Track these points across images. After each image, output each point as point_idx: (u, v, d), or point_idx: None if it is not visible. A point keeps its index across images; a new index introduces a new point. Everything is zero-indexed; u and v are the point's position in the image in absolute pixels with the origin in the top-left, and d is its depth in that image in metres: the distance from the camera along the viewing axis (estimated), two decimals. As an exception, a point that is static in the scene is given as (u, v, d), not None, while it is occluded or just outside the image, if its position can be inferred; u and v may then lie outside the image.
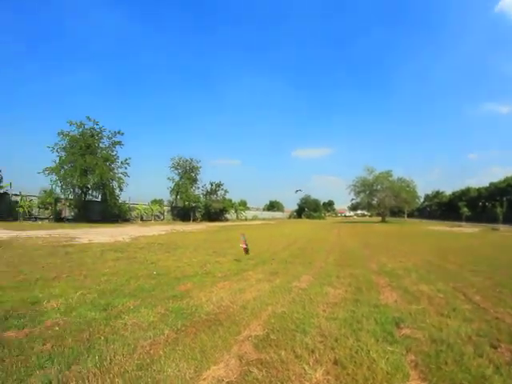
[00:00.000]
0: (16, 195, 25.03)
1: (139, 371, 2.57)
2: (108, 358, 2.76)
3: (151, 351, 2.93)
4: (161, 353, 2.90)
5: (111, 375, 2.50)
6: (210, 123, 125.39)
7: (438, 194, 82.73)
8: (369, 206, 63.81)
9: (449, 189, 72.65)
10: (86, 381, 2.42)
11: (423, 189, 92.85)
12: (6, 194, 24.53)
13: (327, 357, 2.89)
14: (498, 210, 30.44)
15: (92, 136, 28.42)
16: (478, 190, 57.80)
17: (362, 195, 59.71)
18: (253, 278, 6.48)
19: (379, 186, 57.21)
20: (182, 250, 10.86)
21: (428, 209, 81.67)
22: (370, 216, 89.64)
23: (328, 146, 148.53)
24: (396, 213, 68.83)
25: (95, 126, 28.76)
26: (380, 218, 61.27)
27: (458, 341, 3.32)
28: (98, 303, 4.36)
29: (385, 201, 55.44)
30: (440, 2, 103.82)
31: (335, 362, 2.79)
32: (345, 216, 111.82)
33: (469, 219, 39.84)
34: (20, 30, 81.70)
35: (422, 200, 77.69)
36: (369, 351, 3.00)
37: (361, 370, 2.65)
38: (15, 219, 23.49)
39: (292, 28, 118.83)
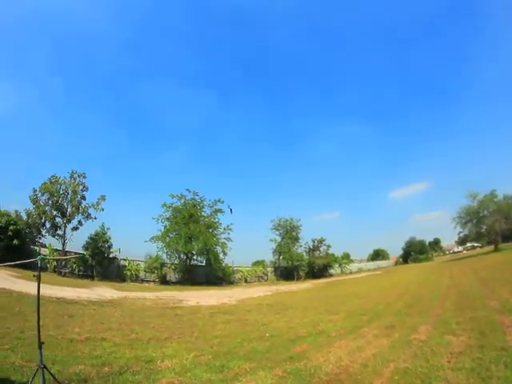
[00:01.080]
0: (124, 260, 27.54)
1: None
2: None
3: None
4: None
5: None
6: (302, 179, 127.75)
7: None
8: (478, 236, 56.82)
9: None
10: None
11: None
12: (115, 258, 27.09)
13: None
14: None
15: (194, 206, 31.36)
16: None
17: (468, 226, 53.47)
18: (369, 334, 6.34)
19: (486, 212, 50.93)
20: (292, 310, 10.86)
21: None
22: (480, 247, 78.93)
23: (422, 180, 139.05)
24: (509, 237, 59.42)
25: (195, 196, 31.76)
26: (492, 247, 53.29)
27: None
28: (213, 365, 4.43)
29: (495, 226, 48.60)
30: None
31: None
32: (453, 252, 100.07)
33: None
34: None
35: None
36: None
37: None
38: (123, 281, 25.46)
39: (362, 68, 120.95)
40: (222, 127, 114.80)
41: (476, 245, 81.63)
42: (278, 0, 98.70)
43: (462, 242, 76.64)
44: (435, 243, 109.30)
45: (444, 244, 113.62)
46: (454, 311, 7.64)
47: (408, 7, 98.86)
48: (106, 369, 4.05)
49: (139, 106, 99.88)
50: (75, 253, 25.16)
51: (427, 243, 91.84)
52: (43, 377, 2.86)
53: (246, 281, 35.89)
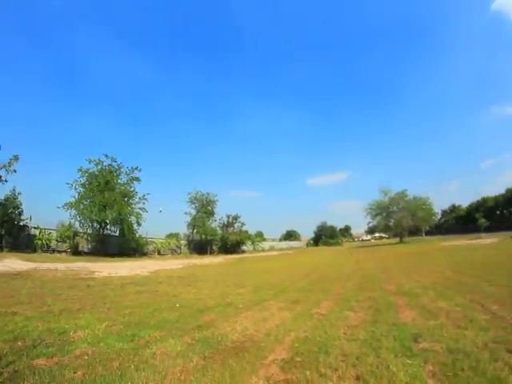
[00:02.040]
0: (35, 228, 25.52)
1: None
2: (140, 385, 2.96)
3: (182, 377, 3.13)
4: (192, 378, 3.10)
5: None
6: (224, 154, 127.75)
7: (454, 208, 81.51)
8: (386, 228, 63.42)
9: (467, 200, 71.82)
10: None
11: (441, 204, 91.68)
12: (25, 226, 24.99)
13: (349, 373, 3.10)
14: None
15: (110, 172, 29.46)
16: (495, 198, 57.16)
17: (378, 218, 59.44)
18: (274, 307, 6.63)
19: (395, 207, 57.09)
20: (202, 282, 11.06)
21: (445, 224, 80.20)
22: (387, 238, 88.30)
23: (342, 171, 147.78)
24: (414, 232, 67.98)
25: (113, 163, 29.94)
26: (398, 240, 60.40)
27: (475, 349, 3.50)
28: (125, 334, 4.52)
29: (402, 221, 54.80)
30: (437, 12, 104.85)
31: (357, 378, 3.01)
32: (362, 240, 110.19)
33: (488, 229, 39.12)
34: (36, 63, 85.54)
35: (439, 216, 76.84)
36: (388, 366, 3.20)
37: (381, 383, 2.87)
38: (34, 251, 23.74)
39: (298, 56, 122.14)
40: (153, 93, 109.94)
41: (383, 235, 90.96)
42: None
43: (371, 231, 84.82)
44: (346, 230, 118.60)
45: (354, 231, 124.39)
46: (355, 291, 8.26)
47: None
48: (19, 343, 4.01)
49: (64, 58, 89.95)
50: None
51: (338, 229, 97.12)
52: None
53: (159, 253, 35.65)
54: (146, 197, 30.96)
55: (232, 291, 8.93)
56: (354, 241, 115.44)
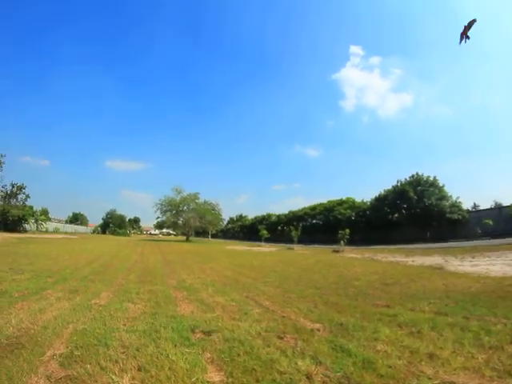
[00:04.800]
0: None
1: None
2: None
3: None
4: None
5: None
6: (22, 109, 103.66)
7: (241, 217, 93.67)
8: (174, 226, 67.24)
9: (254, 214, 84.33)
10: None
11: (230, 212, 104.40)
12: None
13: (131, 365, 3.16)
14: (294, 232, 36.80)
15: None
16: (278, 216, 68.38)
17: (168, 214, 62.48)
18: (52, 296, 6.41)
19: (185, 207, 61.41)
20: None
21: (232, 230, 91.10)
22: (175, 235, 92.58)
23: (145, 162, 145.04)
24: (201, 233, 74.34)
25: None
26: (185, 238, 64.42)
27: (249, 337, 4.08)
28: None
29: (190, 221, 59.64)
30: (289, 66, 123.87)
31: (139, 369, 3.09)
32: (150, 234, 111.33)
33: (268, 240, 46.51)
34: None
35: (226, 222, 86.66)
36: (168, 355, 3.39)
37: (163, 372, 3.01)
38: None
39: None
40: None
41: (171, 232, 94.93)
42: None
43: (159, 226, 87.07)
44: (135, 221, 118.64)
45: (143, 224, 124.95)
46: (136, 283, 8.38)
47: None
48: None
49: None
50: None
51: (127, 219, 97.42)
52: None
53: None
54: None
55: (7, 277, 8.49)
56: (142, 233, 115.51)
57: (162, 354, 3.39)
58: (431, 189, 36.45)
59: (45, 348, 3.61)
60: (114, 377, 2.90)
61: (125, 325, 4.51)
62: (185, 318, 4.98)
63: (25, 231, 40.12)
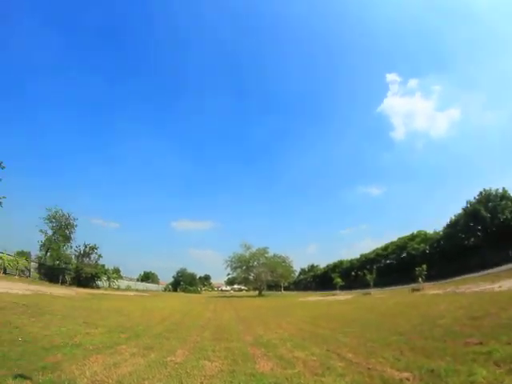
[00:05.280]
0: None
1: None
2: None
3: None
4: None
5: None
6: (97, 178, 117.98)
7: (313, 267, 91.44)
8: (246, 281, 67.18)
9: (325, 262, 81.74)
10: None
11: (301, 263, 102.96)
12: None
13: None
14: (369, 276, 34.74)
15: None
16: (351, 261, 65.76)
17: (238, 270, 62.73)
18: (127, 352, 6.35)
19: (255, 262, 61.35)
20: (50, 316, 10.22)
21: (304, 281, 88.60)
22: (247, 290, 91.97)
23: (209, 220, 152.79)
24: (273, 286, 73.03)
25: None
26: (257, 293, 63.61)
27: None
28: None
29: (261, 276, 59.40)
30: (330, 102, 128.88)
31: None
32: (221, 290, 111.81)
33: (343, 288, 44.24)
34: None
35: (297, 274, 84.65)
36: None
37: None
38: None
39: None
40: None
41: (243, 288, 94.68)
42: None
43: (230, 282, 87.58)
44: (205, 279, 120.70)
45: (214, 281, 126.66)
46: (212, 341, 8.19)
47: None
48: None
49: None
50: None
51: (198, 277, 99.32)
52: None
53: (5, 272, 30.48)
54: None
55: (82, 330, 8.48)
56: (213, 290, 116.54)
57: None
58: (503, 202, 33.19)
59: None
60: None
61: (202, 383, 4.37)
62: (264, 375, 4.73)
63: (97, 287, 42.03)
